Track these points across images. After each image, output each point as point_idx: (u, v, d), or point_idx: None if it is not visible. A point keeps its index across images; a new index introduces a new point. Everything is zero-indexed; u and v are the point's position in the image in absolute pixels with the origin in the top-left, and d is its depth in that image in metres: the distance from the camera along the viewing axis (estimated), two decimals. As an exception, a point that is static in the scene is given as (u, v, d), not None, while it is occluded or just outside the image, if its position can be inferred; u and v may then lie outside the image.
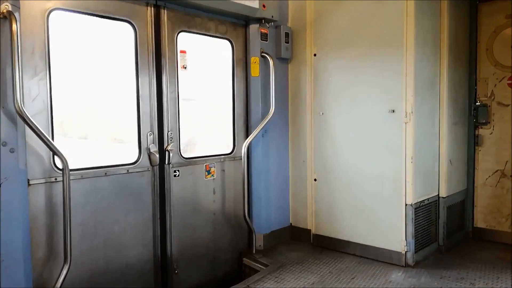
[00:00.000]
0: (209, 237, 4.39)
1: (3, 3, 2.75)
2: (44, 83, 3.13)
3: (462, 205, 5.04)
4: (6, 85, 2.78)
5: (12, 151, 2.82)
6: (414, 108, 4.08)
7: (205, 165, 4.31)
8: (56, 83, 3.21)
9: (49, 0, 3.14)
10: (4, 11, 2.73)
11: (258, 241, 4.70)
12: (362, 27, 4.36)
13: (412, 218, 4.15)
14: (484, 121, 4.99)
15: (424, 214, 4.38)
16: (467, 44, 5.02)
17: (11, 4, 2.77)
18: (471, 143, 5.08)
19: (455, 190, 4.84)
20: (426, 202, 4.39)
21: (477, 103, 5.05)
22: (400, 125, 4.13)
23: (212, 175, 4.37)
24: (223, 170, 4.50)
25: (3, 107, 2.78)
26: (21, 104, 2.72)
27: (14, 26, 2.70)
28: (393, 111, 4.17)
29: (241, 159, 4.45)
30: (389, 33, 4.17)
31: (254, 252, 4.57)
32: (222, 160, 4.48)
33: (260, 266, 4.34)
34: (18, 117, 2.81)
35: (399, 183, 4.17)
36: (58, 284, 2.98)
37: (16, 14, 2.76)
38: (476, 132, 5.07)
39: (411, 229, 4.16)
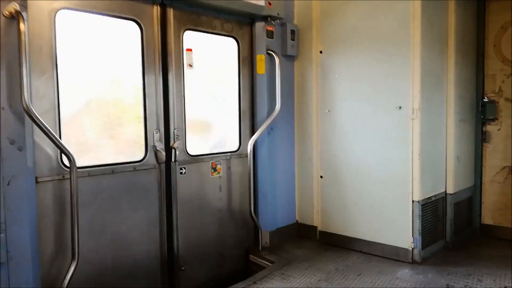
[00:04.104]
0: (216, 234, 4.41)
1: (11, 3, 2.77)
2: (51, 82, 3.16)
3: (469, 202, 5.01)
4: (14, 84, 2.80)
5: (20, 149, 2.85)
6: (421, 104, 4.06)
7: (211, 163, 4.33)
8: (63, 82, 3.24)
9: (56, 0, 3.16)
10: (12, 11, 2.75)
11: (264, 238, 4.71)
12: (369, 25, 4.35)
13: (419, 215, 4.14)
14: (492, 118, 4.96)
15: (431, 211, 4.36)
16: (475, 40, 4.99)
17: (19, 4, 2.79)
18: (479, 140, 5.06)
19: (462, 186, 4.81)
20: (433, 198, 4.38)
21: (485, 100, 5.01)
22: (407, 121, 4.11)
23: (218, 173, 4.39)
24: (229, 168, 4.51)
25: (11, 106, 2.81)
26: (28, 103, 2.75)
27: (22, 25, 2.72)
28: (400, 107, 4.15)
29: (247, 156, 4.45)
30: (395, 30, 4.15)
31: (260, 249, 4.59)
32: (228, 157, 4.50)
33: (266, 263, 4.35)
34: (26, 115, 2.83)
35: (406, 179, 4.16)
36: (66, 281, 3.02)
37: (24, 14, 2.78)
38: (484, 129, 5.04)
39: (418, 225, 4.15)
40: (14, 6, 2.76)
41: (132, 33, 3.66)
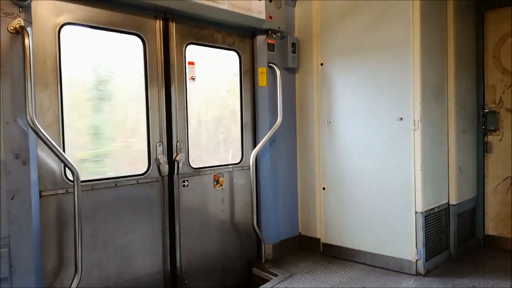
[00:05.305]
0: (218, 247, 4.39)
1: (16, 19, 2.80)
2: (55, 96, 3.19)
3: (472, 213, 5.00)
4: (18, 98, 2.82)
5: (24, 163, 2.85)
6: (422, 115, 4.08)
7: (214, 175, 4.33)
8: (67, 96, 3.26)
9: (60, 15, 3.20)
10: (17, 26, 2.78)
11: (267, 251, 4.69)
12: (369, 37, 4.38)
13: (422, 226, 4.13)
14: (493, 128, 4.97)
15: (434, 222, 4.35)
16: (474, 51, 5.03)
17: (23, 20, 2.82)
18: (480, 150, 5.06)
19: (465, 197, 4.81)
20: (436, 209, 4.37)
21: (485, 110, 5.03)
22: (408, 133, 4.13)
23: (221, 185, 4.39)
24: (232, 180, 4.51)
25: (15, 120, 2.82)
26: (33, 117, 2.76)
27: (26, 40, 2.74)
28: (401, 119, 4.17)
29: (249, 168, 4.46)
30: (395, 41, 4.19)
31: (263, 261, 4.57)
32: (230, 169, 4.50)
33: (269, 275, 4.32)
34: (30, 129, 2.85)
35: (408, 191, 4.16)
36: (69, 295, 3.01)
37: (28, 29, 2.81)
38: (485, 139, 5.05)
39: (421, 237, 4.13)
40: (19, 22, 2.79)
41: (135, 47, 3.70)
